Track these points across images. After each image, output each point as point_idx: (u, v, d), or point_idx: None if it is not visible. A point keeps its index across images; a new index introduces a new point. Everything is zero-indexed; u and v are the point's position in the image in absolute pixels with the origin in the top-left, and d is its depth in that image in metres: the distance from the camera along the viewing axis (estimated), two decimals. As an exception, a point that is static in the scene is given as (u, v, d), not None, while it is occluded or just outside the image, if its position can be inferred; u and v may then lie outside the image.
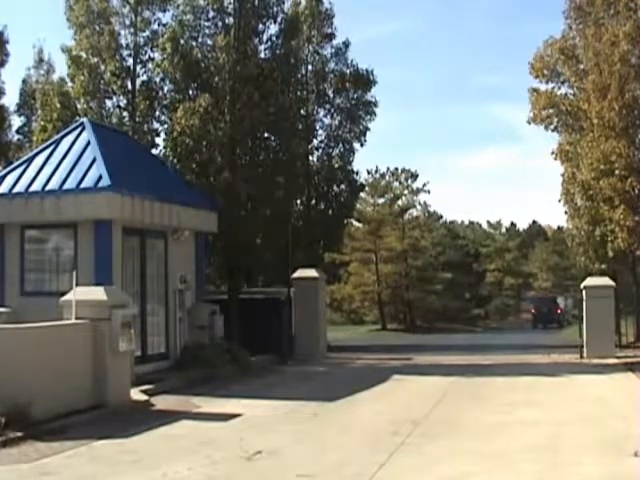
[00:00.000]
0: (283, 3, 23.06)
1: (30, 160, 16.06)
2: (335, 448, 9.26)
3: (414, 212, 64.28)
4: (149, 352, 16.02)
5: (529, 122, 26.68)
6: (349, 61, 28.26)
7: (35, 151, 16.77)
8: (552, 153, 25.75)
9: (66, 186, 14.91)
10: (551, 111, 26.13)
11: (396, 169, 60.19)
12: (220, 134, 21.26)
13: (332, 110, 28.06)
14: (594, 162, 21.71)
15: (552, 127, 26.39)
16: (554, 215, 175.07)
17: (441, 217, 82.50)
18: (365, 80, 27.88)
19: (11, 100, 42.11)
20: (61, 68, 43.14)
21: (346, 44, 28.35)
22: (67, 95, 22.23)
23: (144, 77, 22.58)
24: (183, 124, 20.16)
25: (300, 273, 22.35)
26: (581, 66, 24.49)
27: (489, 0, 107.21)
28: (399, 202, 61.63)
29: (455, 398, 13.69)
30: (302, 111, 25.85)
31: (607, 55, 21.25)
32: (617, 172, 21.25)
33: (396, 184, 60.95)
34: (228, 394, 14.03)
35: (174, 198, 16.83)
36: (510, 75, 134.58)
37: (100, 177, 14.68)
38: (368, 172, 57.31)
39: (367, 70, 27.99)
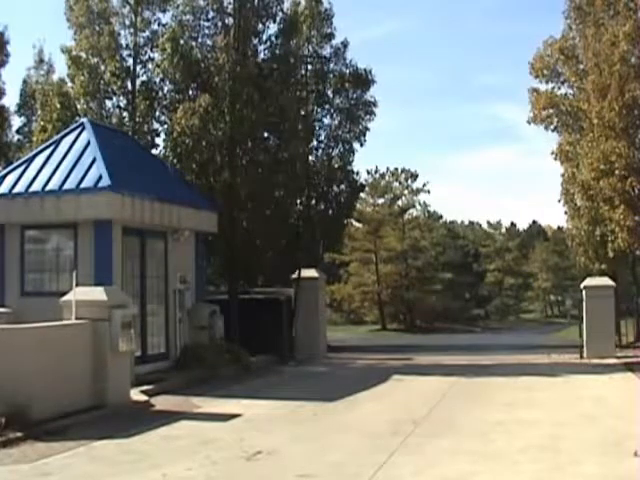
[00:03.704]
0: (282, 3, 23.04)
1: (30, 160, 16.07)
2: (335, 448, 9.26)
3: (414, 212, 64.40)
4: (149, 352, 16.03)
5: (529, 122, 26.74)
6: (348, 61, 28.27)
7: (35, 151, 16.78)
8: (552, 153, 25.79)
9: (66, 186, 14.93)
10: (551, 111, 26.16)
11: (396, 169, 60.26)
12: (220, 134, 21.24)
13: (332, 110, 28.04)
14: (594, 162, 21.71)
15: (552, 127, 26.44)
16: (554, 215, 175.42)
17: (441, 217, 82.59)
18: (364, 80, 27.85)
19: (11, 100, 42.26)
20: (61, 68, 43.11)
21: (345, 44, 28.32)
22: (67, 95, 22.22)
23: (144, 77, 22.56)
24: (183, 124, 20.15)
25: (300, 273, 22.36)
26: (581, 66, 24.50)
27: (489, 0, 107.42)
28: (399, 202, 61.71)
29: (455, 398, 13.69)
30: (302, 111, 25.83)
31: (607, 55, 21.25)
32: (617, 172, 21.25)
33: (396, 184, 61.02)
34: (228, 394, 14.03)
35: (174, 198, 16.84)
36: (510, 75, 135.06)
37: (100, 177, 14.69)
38: (368, 172, 57.34)
39: (366, 70, 27.98)
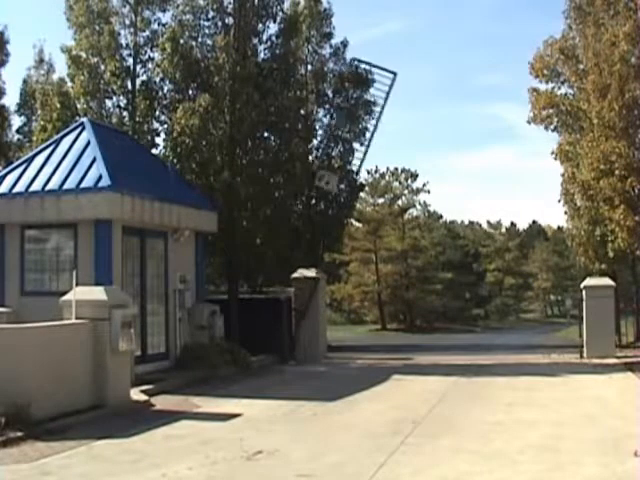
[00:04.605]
0: (282, 3, 23.05)
1: (30, 160, 16.08)
2: (335, 448, 9.26)
3: (414, 212, 64.46)
4: (149, 352, 16.03)
5: (529, 122, 26.75)
6: (347, 61, 28.31)
7: (35, 151, 16.78)
8: (552, 153, 25.80)
9: (66, 186, 14.93)
10: (551, 111, 26.18)
11: (396, 169, 60.27)
12: (220, 134, 21.25)
13: (331, 110, 28.07)
14: (594, 162, 21.72)
15: (552, 127, 26.46)
16: (554, 215, 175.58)
17: (441, 217, 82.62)
18: (364, 79, 27.89)
19: (11, 100, 42.23)
20: (61, 68, 43.08)
21: (344, 44, 28.37)
22: (67, 95, 22.21)
23: (144, 77, 22.54)
24: (183, 124, 20.15)
25: (300, 273, 22.35)
26: (581, 66, 24.51)
27: (489, 0, 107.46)
28: (399, 202, 61.72)
29: (455, 398, 13.69)
30: (302, 111, 25.85)
31: (607, 55, 21.25)
32: (617, 172, 21.26)
33: (396, 184, 61.04)
34: (228, 394, 14.04)
35: (174, 198, 16.84)
36: (510, 75, 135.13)
37: (100, 177, 14.70)
38: (368, 172, 57.36)
39: (365, 69, 28.04)
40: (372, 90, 21.71)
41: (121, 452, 9.10)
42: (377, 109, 21.42)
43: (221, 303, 19.11)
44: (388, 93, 21.66)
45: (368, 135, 21.51)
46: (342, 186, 27.74)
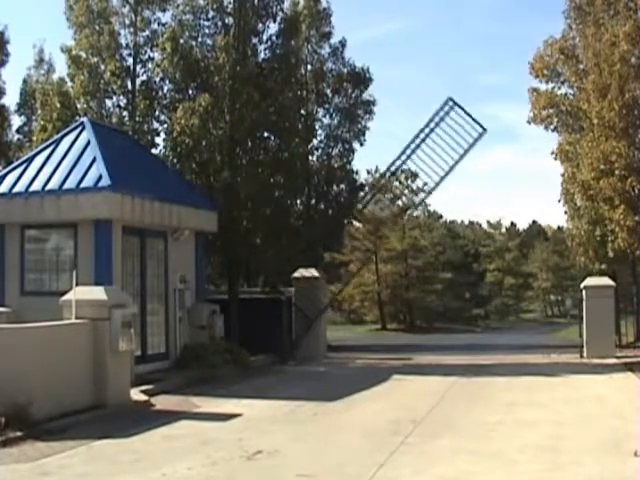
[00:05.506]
0: (282, 3, 23.07)
1: (30, 160, 16.08)
2: (335, 448, 9.26)
3: (414, 212, 64.37)
4: (149, 352, 16.03)
5: (529, 122, 26.79)
6: (346, 60, 28.36)
7: (35, 151, 16.78)
8: (552, 153, 25.82)
9: (66, 186, 14.93)
10: (551, 111, 26.21)
11: (396, 169, 60.19)
12: (220, 134, 21.26)
13: (331, 110, 28.11)
14: (594, 162, 21.72)
15: (552, 127, 26.49)
16: (554, 215, 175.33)
17: (441, 217, 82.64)
18: (362, 79, 27.94)
19: (11, 100, 42.26)
20: (61, 68, 43.09)
21: (343, 43, 28.44)
22: (67, 95, 22.23)
23: (144, 77, 22.58)
24: (183, 124, 20.16)
25: (300, 273, 22.36)
26: (581, 66, 24.53)
27: (489, 0, 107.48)
28: (399, 202, 61.69)
29: (455, 398, 13.68)
30: (302, 111, 25.87)
31: (607, 55, 21.25)
32: (617, 172, 21.26)
33: (396, 184, 60.98)
34: (228, 394, 14.03)
35: (174, 198, 16.84)
36: (511, 75, 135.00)
37: (100, 177, 14.70)
38: (368, 172, 57.34)
39: (364, 69, 28.10)
40: (454, 134, 20.84)
41: (121, 452, 9.10)
42: (454, 155, 20.82)
43: (221, 303, 19.10)
44: (472, 145, 21.08)
45: (436, 177, 21.11)
46: (342, 186, 27.79)
